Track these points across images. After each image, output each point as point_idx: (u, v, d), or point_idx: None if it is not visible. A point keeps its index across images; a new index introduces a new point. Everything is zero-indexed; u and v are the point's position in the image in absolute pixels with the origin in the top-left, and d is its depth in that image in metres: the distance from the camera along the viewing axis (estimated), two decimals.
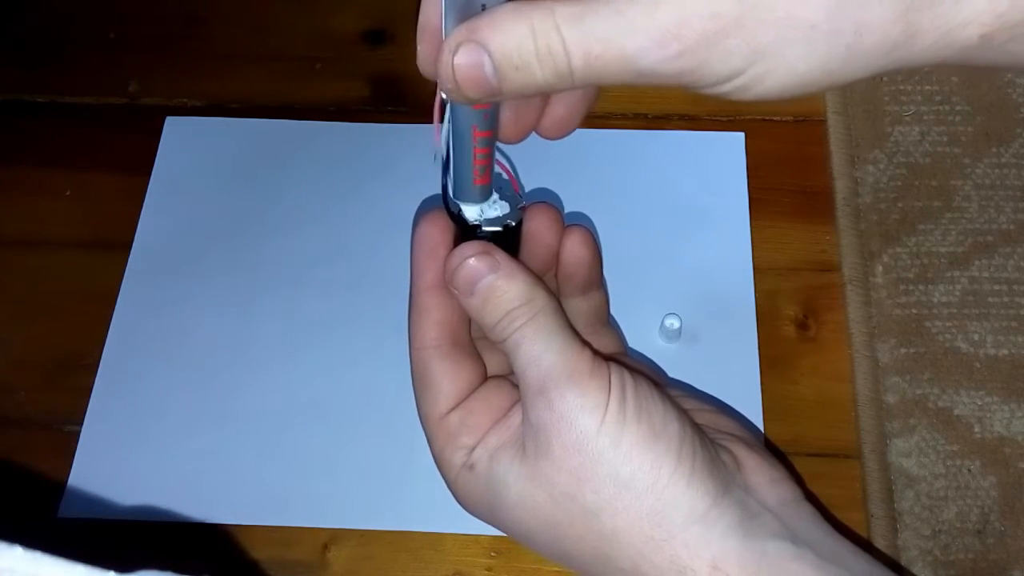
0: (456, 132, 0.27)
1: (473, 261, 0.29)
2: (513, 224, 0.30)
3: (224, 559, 0.40)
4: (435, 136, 0.28)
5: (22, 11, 0.53)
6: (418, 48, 0.25)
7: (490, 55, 0.22)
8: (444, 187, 0.30)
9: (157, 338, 0.44)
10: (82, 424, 0.42)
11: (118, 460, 0.41)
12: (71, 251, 0.47)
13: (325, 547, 0.40)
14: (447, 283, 0.30)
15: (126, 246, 0.46)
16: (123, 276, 0.45)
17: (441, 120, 0.27)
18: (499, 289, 0.28)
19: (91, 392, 0.43)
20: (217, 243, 0.46)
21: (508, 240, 0.30)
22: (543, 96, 0.28)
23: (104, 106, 0.51)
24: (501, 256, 0.29)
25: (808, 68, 0.22)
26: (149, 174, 0.48)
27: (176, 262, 0.46)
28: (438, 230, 0.31)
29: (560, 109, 0.28)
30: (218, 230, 0.47)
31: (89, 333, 0.44)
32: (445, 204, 0.30)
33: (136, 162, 0.49)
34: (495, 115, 0.27)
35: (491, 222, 0.30)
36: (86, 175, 0.49)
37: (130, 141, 0.49)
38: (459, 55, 0.22)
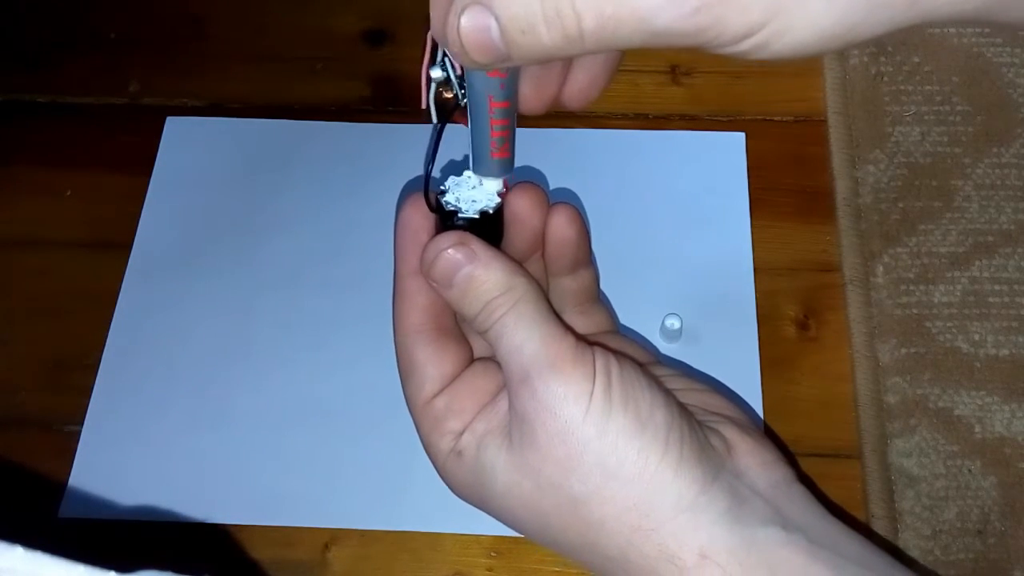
0: (472, 102, 0.26)
1: (450, 252, 0.28)
2: (491, 211, 0.29)
3: (224, 559, 0.40)
4: (423, 100, 0.27)
5: (22, 11, 0.53)
6: (431, 14, 0.25)
7: (496, 18, 0.21)
8: (427, 173, 0.29)
9: (157, 338, 0.44)
10: (82, 424, 0.42)
11: (118, 460, 0.41)
12: (71, 251, 0.47)
13: (325, 547, 0.40)
14: (424, 276, 0.29)
15: (126, 246, 0.46)
16: (123, 276, 0.45)
17: (428, 84, 0.26)
18: (477, 279, 0.28)
19: (91, 392, 0.43)
20: (217, 243, 0.46)
21: (488, 227, 0.30)
22: (564, 63, 0.27)
23: (104, 106, 0.51)
24: (477, 245, 0.28)
25: (829, 22, 0.21)
26: (149, 174, 0.48)
27: (176, 262, 0.46)
28: (420, 215, 0.30)
29: (582, 76, 0.27)
30: (218, 230, 0.47)
31: (89, 333, 0.44)
32: (425, 193, 0.30)
33: (136, 162, 0.49)
34: (513, 84, 0.26)
35: (469, 209, 0.29)
36: (86, 175, 0.49)
37: (130, 141, 0.49)
38: (465, 18, 0.22)
